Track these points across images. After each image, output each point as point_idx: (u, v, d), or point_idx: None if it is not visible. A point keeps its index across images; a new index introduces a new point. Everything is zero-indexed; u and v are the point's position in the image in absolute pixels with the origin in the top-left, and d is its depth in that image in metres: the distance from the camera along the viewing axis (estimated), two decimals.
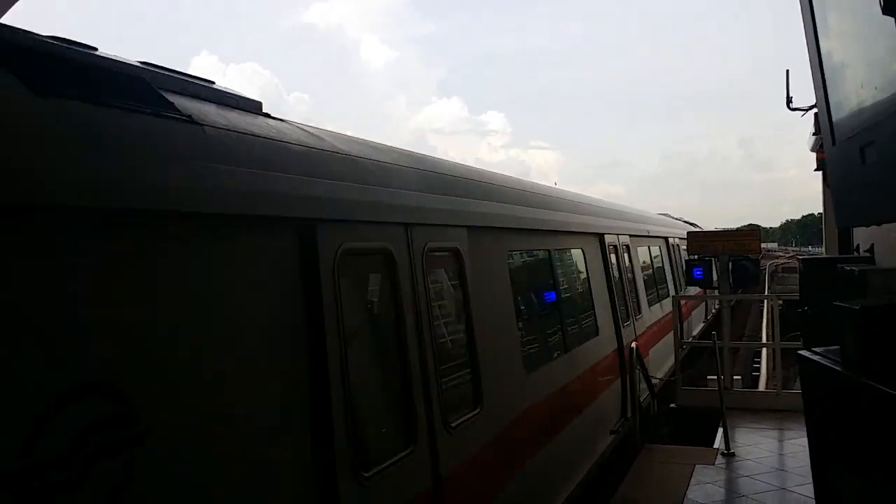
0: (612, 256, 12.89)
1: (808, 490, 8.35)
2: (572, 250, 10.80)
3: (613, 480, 10.13)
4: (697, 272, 15.97)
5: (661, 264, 20.04)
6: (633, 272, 14.91)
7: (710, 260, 15.77)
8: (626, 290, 13.58)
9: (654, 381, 13.74)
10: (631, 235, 15.29)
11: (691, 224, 33.24)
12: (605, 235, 12.62)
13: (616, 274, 12.97)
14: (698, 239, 16.38)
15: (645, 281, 16.36)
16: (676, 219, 31.49)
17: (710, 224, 42.91)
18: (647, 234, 17.98)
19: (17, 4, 11.61)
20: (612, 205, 17.04)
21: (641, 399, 12.64)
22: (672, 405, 13.94)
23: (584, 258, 11.26)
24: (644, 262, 16.95)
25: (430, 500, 5.23)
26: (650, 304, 16.33)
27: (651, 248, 18.64)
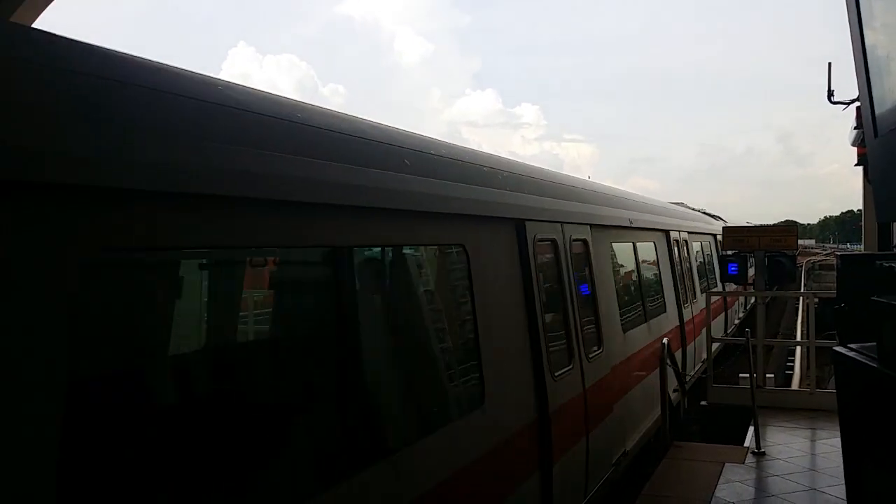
0: (675, 250, 15.83)
1: (840, 491, 8.21)
2: (649, 243, 13.61)
3: (641, 478, 10.05)
4: (732, 268, 15.73)
5: (708, 258, 22.21)
6: (690, 263, 17.65)
7: (745, 256, 15.52)
8: (684, 278, 16.16)
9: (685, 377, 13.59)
10: (689, 232, 17.98)
11: (715, 217, 32.76)
12: (670, 232, 15.64)
13: (678, 264, 15.75)
14: (734, 234, 16.11)
15: (697, 271, 18.87)
16: (712, 216, 31.38)
17: (746, 221, 42.26)
18: (698, 231, 20.30)
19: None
20: (674, 207, 20.48)
21: (672, 395, 12.52)
22: (703, 402, 13.79)
23: (656, 250, 14.15)
24: (696, 256, 19.40)
25: (580, 399, 8.04)
26: (702, 291, 18.31)
27: (703, 243, 21.15)
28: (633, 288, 11.96)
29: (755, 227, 17.04)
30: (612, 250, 10.70)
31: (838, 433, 5.05)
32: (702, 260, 20.68)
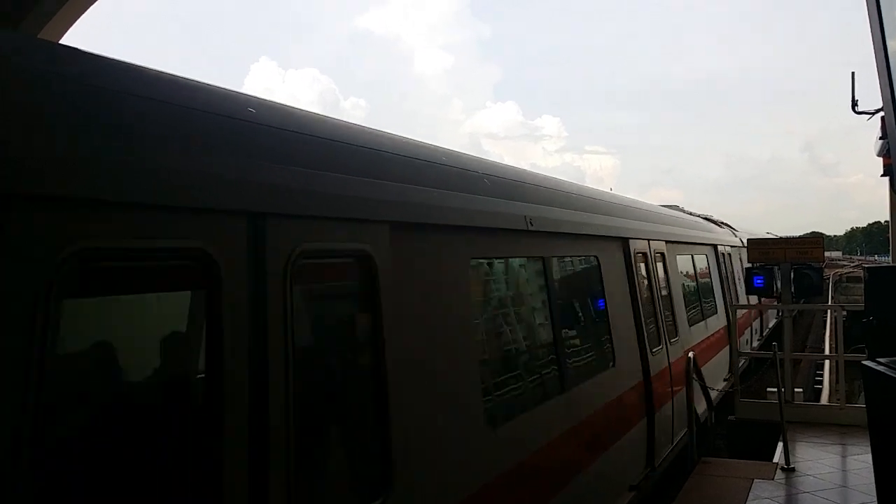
0: (722, 261, 18.67)
1: None
2: (702, 255, 16.52)
3: (669, 494, 9.92)
4: (758, 280, 15.54)
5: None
6: (732, 274, 20.08)
7: (772, 268, 15.33)
8: (728, 286, 18.79)
9: (711, 391, 13.43)
10: (731, 246, 20.57)
11: (728, 226, 32.47)
12: (718, 246, 18.59)
13: (724, 274, 18.55)
14: (759, 246, 15.92)
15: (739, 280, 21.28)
16: (719, 222, 31.23)
17: (766, 232, 41.90)
18: (736, 244, 22.42)
19: (87, 16, 12.01)
20: (715, 225, 23.38)
21: (699, 411, 12.36)
22: (730, 417, 13.61)
23: (707, 262, 16.98)
24: (736, 267, 21.58)
25: (667, 371, 10.84)
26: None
27: (742, 256, 22.79)
28: (693, 292, 14.91)
29: (780, 238, 16.84)
30: (677, 261, 13.58)
31: (869, 449, 4.95)
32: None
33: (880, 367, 4.26)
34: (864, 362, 4.62)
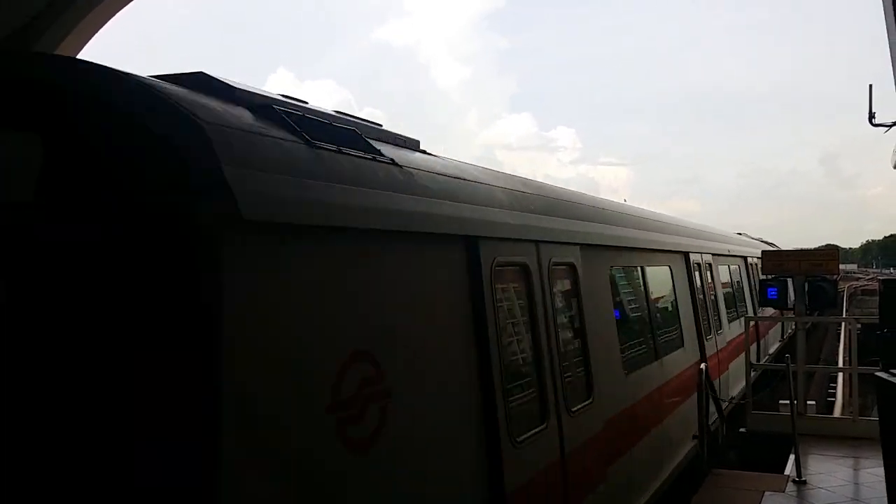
0: (750, 271, 21.71)
1: None
2: (737, 266, 19.73)
3: None
4: (772, 292, 15.47)
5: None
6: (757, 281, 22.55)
7: (786, 280, 15.26)
8: (754, 294, 21.06)
9: (723, 403, 13.36)
10: (756, 257, 21.44)
11: (770, 244, 32.76)
12: (748, 258, 21.53)
13: (753, 282, 21.38)
14: (773, 258, 15.87)
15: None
16: (756, 238, 32.04)
17: (786, 244, 42.02)
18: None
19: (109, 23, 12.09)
20: (746, 238, 27.72)
21: (710, 422, 12.29)
22: (741, 429, 13.54)
23: (740, 271, 20.13)
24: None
25: (717, 355, 13.87)
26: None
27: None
28: (729, 298, 17.47)
29: (794, 251, 16.79)
30: (720, 272, 16.47)
31: (882, 462, 4.93)
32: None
33: (894, 379, 4.25)
34: (878, 373, 4.61)
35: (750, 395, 13.88)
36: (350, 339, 3.91)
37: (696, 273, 13.56)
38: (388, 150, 4.90)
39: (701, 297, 13.36)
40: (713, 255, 15.69)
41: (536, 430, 5.72)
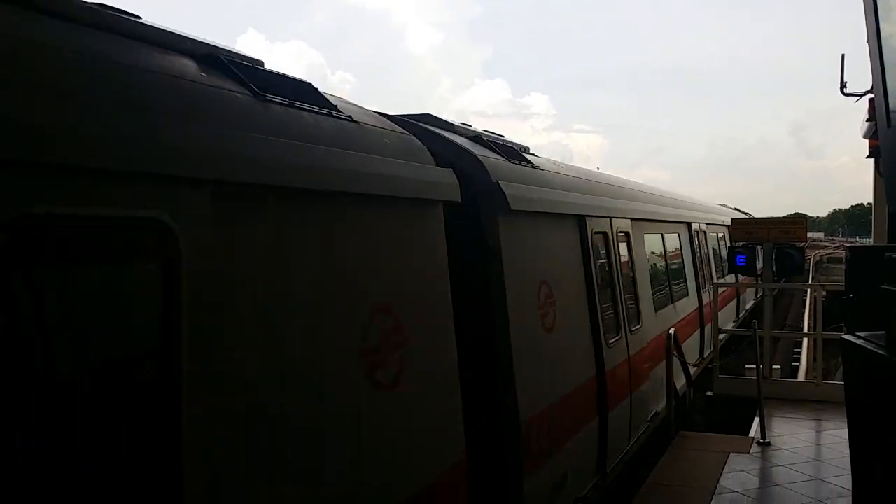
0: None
1: (845, 481, 8.25)
2: (722, 234, 22.90)
3: (646, 467, 10.10)
4: (740, 259, 15.65)
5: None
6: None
7: (754, 247, 15.46)
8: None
9: (690, 367, 13.63)
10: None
11: (745, 213, 33.22)
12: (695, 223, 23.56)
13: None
14: (742, 225, 16.02)
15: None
16: (733, 208, 32.76)
17: (757, 213, 42.74)
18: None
19: None
20: (727, 208, 32.07)
21: (678, 386, 12.54)
22: (708, 393, 13.82)
23: (725, 238, 22.66)
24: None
25: (700, 308, 16.50)
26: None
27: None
28: (717, 259, 20.98)
29: (764, 218, 16.97)
30: (708, 237, 19.93)
31: (844, 424, 5.07)
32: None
33: (859, 341, 4.36)
34: (844, 336, 4.72)
35: (717, 359, 14.15)
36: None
37: (696, 239, 17.41)
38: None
39: (699, 256, 17.35)
40: (707, 224, 19.55)
41: (616, 338, 9.07)
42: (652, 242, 12.68)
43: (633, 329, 9.95)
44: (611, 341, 8.83)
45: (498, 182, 6.17)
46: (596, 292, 8.47)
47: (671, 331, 12.51)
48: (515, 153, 7.52)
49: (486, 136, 7.38)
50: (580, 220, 8.37)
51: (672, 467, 10.01)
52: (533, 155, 8.49)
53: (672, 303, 13.56)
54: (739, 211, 30.78)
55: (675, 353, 12.34)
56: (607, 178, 11.88)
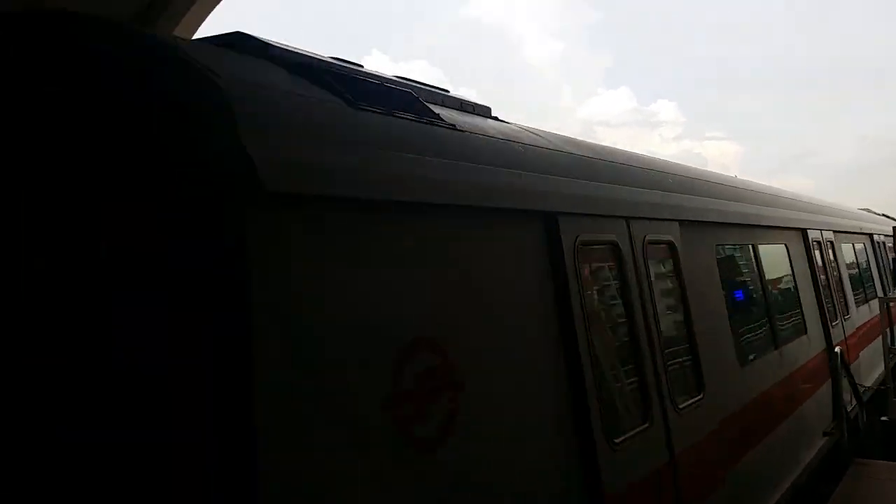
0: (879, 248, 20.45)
1: None
2: (861, 245, 18.09)
3: (818, 498, 9.08)
4: None
5: None
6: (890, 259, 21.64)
7: None
8: (884, 273, 20.36)
9: (861, 388, 12.38)
10: (885, 234, 20.90)
11: (891, 218, 30.86)
12: (874, 235, 19.54)
13: (880, 260, 20.35)
14: None
15: None
16: (882, 215, 30.32)
17: None
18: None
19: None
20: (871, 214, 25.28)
21: (849, 409, 11.36)
22: (883, 418, 12.51)
23: (865, 250, 18.53)
24: None
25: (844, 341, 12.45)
26: None
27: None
28: (855, 279, 16.07)
29: None
30: (842, 249, 15.37)
31: None
32: None
33: None
34: None
35: (890, 380, 12.82)
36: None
37: (816, 252, 12.31)
38: (448, 115, 4.55)
39: (823, 277, 12.12)
40: (834, 231, 14.19)
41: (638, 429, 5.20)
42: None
43: (682, 408, 6.59)
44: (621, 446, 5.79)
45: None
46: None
47: (837, 349, 11.41)
48: (405, 100, 4.25)
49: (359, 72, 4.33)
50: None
51: (851, 499, 8.96)
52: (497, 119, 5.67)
53: (776, 348, 9.52)
54: (888, 217, 28.25)
55: (843, 372, 11.21)
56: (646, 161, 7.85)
